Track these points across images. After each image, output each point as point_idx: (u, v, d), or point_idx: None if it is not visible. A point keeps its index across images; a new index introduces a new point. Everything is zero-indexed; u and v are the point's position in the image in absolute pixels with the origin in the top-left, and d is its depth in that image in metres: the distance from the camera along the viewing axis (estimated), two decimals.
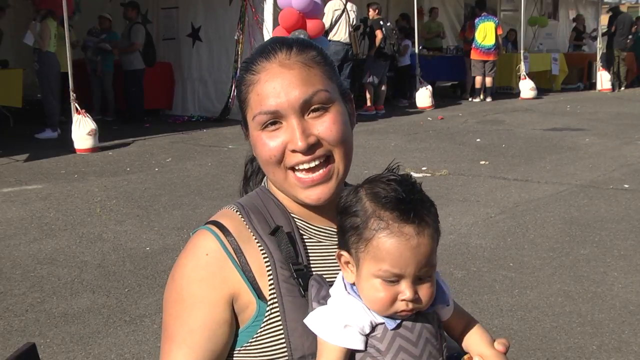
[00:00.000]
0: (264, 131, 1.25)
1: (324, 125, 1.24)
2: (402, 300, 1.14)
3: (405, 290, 1.14)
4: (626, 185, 6.96)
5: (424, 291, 1.16)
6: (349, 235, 1.17)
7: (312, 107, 1.24)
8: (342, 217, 1.20)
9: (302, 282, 1.22)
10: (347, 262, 1.19)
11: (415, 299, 1.15)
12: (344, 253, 1.19)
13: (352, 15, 11.22)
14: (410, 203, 1.15)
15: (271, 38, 1.36)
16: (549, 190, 6.80)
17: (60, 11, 9.09)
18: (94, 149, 8.75)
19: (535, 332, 3.73)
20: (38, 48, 9.78)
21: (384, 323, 1.16)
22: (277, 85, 1.23)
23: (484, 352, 1.25)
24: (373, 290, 1.14)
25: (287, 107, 1.22)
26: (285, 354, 1.21)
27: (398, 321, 1.16)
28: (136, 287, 4.36)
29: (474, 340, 1.27)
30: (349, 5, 11.20)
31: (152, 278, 4.51)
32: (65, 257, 4.89)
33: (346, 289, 1.19)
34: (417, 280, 1.15)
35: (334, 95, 1.27)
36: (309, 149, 1.22)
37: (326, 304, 1.19)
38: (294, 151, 1.23)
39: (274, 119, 1.24)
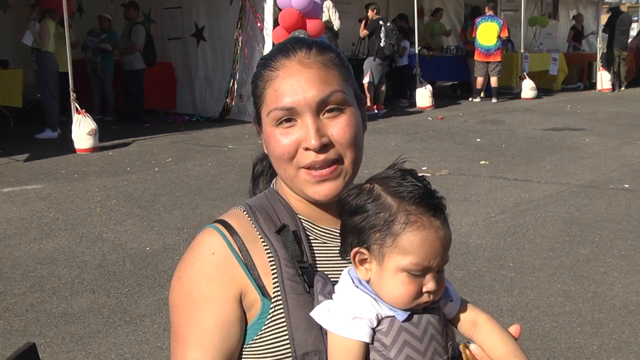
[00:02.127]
0: (278, 127, 1.26)
1: (338, 127, 1.24)
2: (426, 292, 1.16)
3: (429, 282, 1.16)
4: (626, 185, 6.96)
5: (441, 282, 1.19)
6: (372, 232, 1.16)
7: (328, 107, 1.24)
8: (357, 216, 1.18)
9: (307, 279, 1.22)
10: (363, 260, 1.19)
11: (437, 290, 1.17)
12: (363, 250, 1.18)
13: (332, 15, 11.25)
14: (435, 196, 1.19)
15: (291, 37, 1.36)
16: (549, 190, 6.80)
17: (61, 11, 9.10)
18: (94, 149, 8.76)
19: (535, 332, 3.73)
20: (37, 48, 9.78)
21: (390, 317, 1.16)
22: (295, 83, 1.24)
23: (493, 343, 1.22)
24: (400, 285, 1.15)
25: (304, 105, 1.23)
26: (289, 350, 1.21)
27: (408, 312, 1.16)
28: (136, 287, 4.36)
29: (484, 335, 1.26)
30: (326, 3, 11.19)
31: (152, 278, 4.51)
32: (65, 257, 4.89)
33: (354, 282, 1.20)
34: (437, 272, 1.18)
35: (349, 98, 1.28)
36: (322, 149, 1.23)
37: (332, 299, 1.19)
38: (307, 149, 1.23)
39: (289, 116, 1.24)
